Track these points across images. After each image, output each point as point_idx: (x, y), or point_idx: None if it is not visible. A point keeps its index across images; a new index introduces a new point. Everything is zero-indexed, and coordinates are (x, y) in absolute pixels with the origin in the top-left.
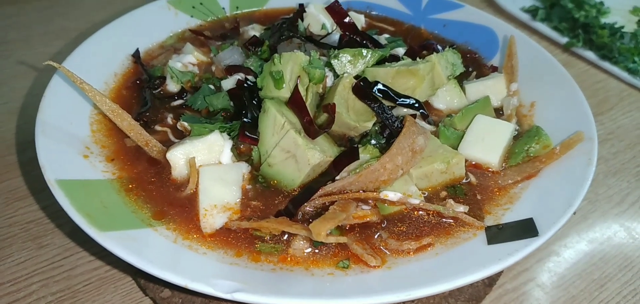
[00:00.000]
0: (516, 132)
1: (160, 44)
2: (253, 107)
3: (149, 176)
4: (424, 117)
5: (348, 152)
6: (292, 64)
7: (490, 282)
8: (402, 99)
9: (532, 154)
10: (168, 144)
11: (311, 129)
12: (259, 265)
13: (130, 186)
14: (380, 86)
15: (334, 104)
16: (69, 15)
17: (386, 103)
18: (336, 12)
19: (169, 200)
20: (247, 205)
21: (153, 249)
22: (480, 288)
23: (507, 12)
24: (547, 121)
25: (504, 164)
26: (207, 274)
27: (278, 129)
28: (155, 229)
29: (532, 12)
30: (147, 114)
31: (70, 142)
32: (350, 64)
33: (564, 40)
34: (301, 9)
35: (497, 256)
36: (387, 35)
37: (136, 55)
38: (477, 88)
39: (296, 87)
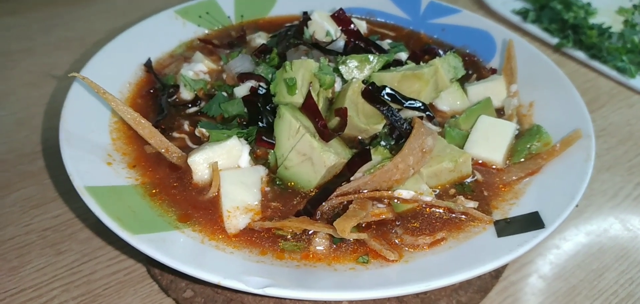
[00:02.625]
0: (517, 131)
1: (170, 54)
2: (268, 113)
3: (171, 181)
4: (430, 118)
5: (361, 153)
6: (303, 70)
7: (497, 274)
8: (409, 102)
9: (533, 152)
10: (186, 150)
11: (325, 133)
12: (283, 262)
13: (153, 191)
14: (388, 90)
15: (346, 108)
16: (70, 26)
17: (394, 106)
18: (341, 19)
19: (192, 203)
20: (267, 206)
21: (183, 250)
22: (487, 280)
23: (499, 14)
24: (546, 120)
25: (507, 162)
26: (237, 271)
27: (293, 134)
28: (183, 231)
29: (523, 14)
30: (164, 121)
31: (93, 150)
32: (357, 69)
33: (554, 41)
34: (306, 16)
35: (508, 247)
36: (389, 41)
37: (148, 64)
38: (478, 90)
39: (309, 92)
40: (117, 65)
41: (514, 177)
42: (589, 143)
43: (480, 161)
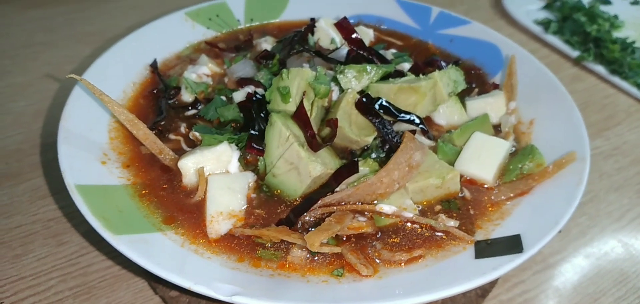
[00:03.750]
0: (513, 149)
1: (177, 55)
2: (261, 120)
3: (162, 183)
4: (424, 132)
5: (348, 165)
6: (299, 79)
7: (482, 292)
8: (402, 115)
9: (525, 172)
10: (180, 153)
11: (314, 143)
12: (258, 270)
13: (143, 191)
14: (382, 102)
15: (336, 119)
16: (92, 20)
17: (388, 118)
18: (344, 28)
19: (178, 206)
20: (251, 213)
21: (162, 252)
22: (472, 299)
23: (520, 24)
24: (544, 140)
25: (498, 181)
26: (209, 277)
27: (283, 142)
28: (165, 233)
29: (545, 24)
30: (162, 123)
31: (89, 149)
32: (355, 79)
33: (574, 53)
34: (312, 23)
35: (482, 270)
36: (394, 50)
37: (154, 65)
38: (477, 105)
39: (301, 102)
40: (124, 65)
41: (503, 197)
42: (583, 167)
43: (468, 178)
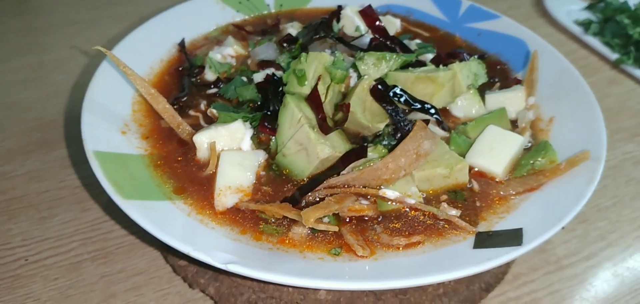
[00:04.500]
0: (529, 145)
1: (205, 36)
2: (276, 101)
3: (177, 155)
4: (439, 123)
5: (357, 149)
6: (316, 63)
7: (487, 287)
8: (416, 104)
9: (537, 168)
10: (198, 128)
11: (324, 126)
12: (259, 244)
13: (159, 162)
14: (397, 90)
15: (349, 104)
16: (135, 1)
17: (402, 107)
18: (368, 15)
19: (190, 178)
20: (258, 189)
21: (167, 219)
22: (476, 292)
23: (560, 24)
24: (562, 138)
25: (509, 175)
26: (209, 245)
27: (294, 123)
28: (174, 202)
29: (585, 25)
30: (184, 99)
31: (111, 119)
32: (374, 66)
33: (613, 56)
34: (338, 9)
35: (477, 260)
36: (418, 41)
37: (182, 44)
38: (497, 99)
39: (316, 85)
40: (153, 43)
41: (511, 192)
42: (596, 167)
43: (477, 170)
